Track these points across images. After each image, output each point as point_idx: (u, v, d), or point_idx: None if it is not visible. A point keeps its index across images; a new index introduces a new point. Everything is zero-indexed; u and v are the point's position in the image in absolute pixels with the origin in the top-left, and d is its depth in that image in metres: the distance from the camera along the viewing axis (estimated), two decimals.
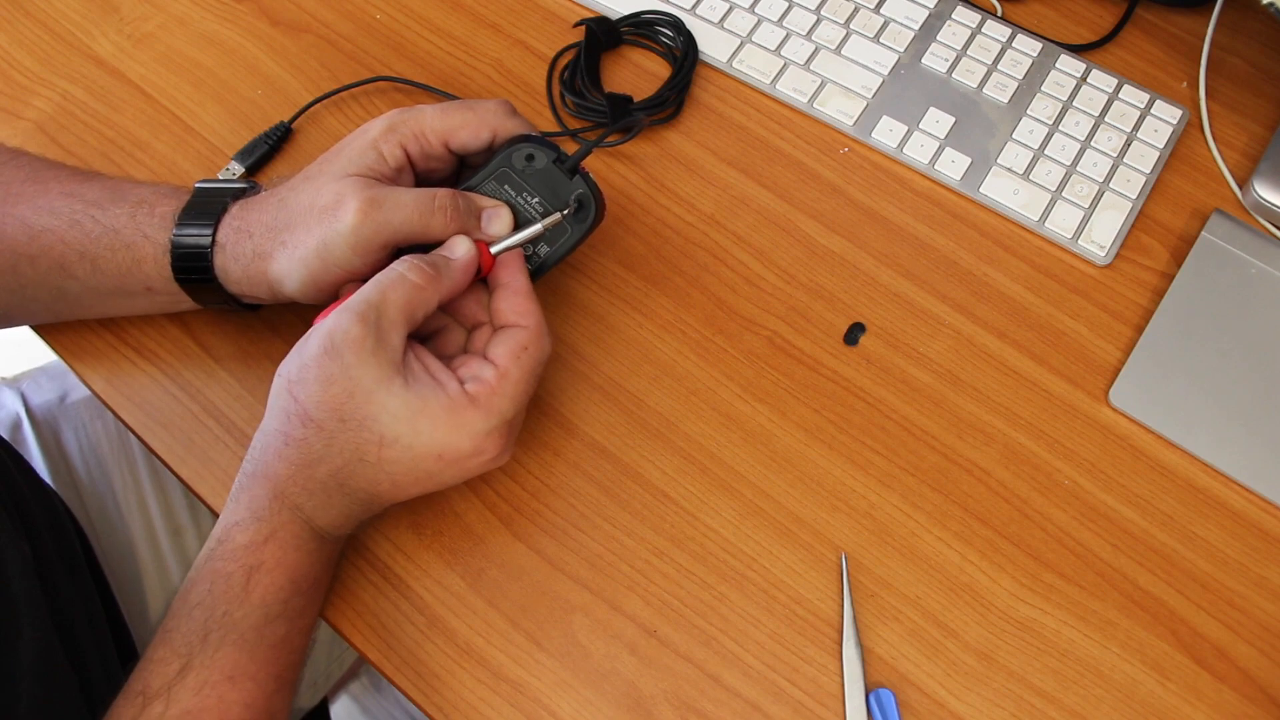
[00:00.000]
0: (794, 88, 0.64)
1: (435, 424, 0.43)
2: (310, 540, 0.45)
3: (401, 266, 0.45)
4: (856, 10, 0.66)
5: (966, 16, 0.66)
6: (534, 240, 0.49)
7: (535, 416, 0.54)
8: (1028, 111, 0.63)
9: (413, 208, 0.46)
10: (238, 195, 0.49)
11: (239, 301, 0.50)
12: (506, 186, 0.49)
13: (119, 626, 0.60)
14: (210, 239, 0.47)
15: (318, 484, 0.44)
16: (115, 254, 0.48)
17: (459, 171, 0.53)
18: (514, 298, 0.47)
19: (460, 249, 0.47)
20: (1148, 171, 0.61)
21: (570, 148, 0.50)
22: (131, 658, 0.59)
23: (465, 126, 0.49)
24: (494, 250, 0.48)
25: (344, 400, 0.43)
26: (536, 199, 0.49)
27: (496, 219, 0.48)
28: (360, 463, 0.44)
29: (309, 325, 0.55)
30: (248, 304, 0.51)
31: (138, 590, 0.64)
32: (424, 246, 0.47)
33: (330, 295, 0.48)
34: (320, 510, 0.45)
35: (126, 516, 0.66)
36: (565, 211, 0.49)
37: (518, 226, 0.49)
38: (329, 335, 0.43)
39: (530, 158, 0.49)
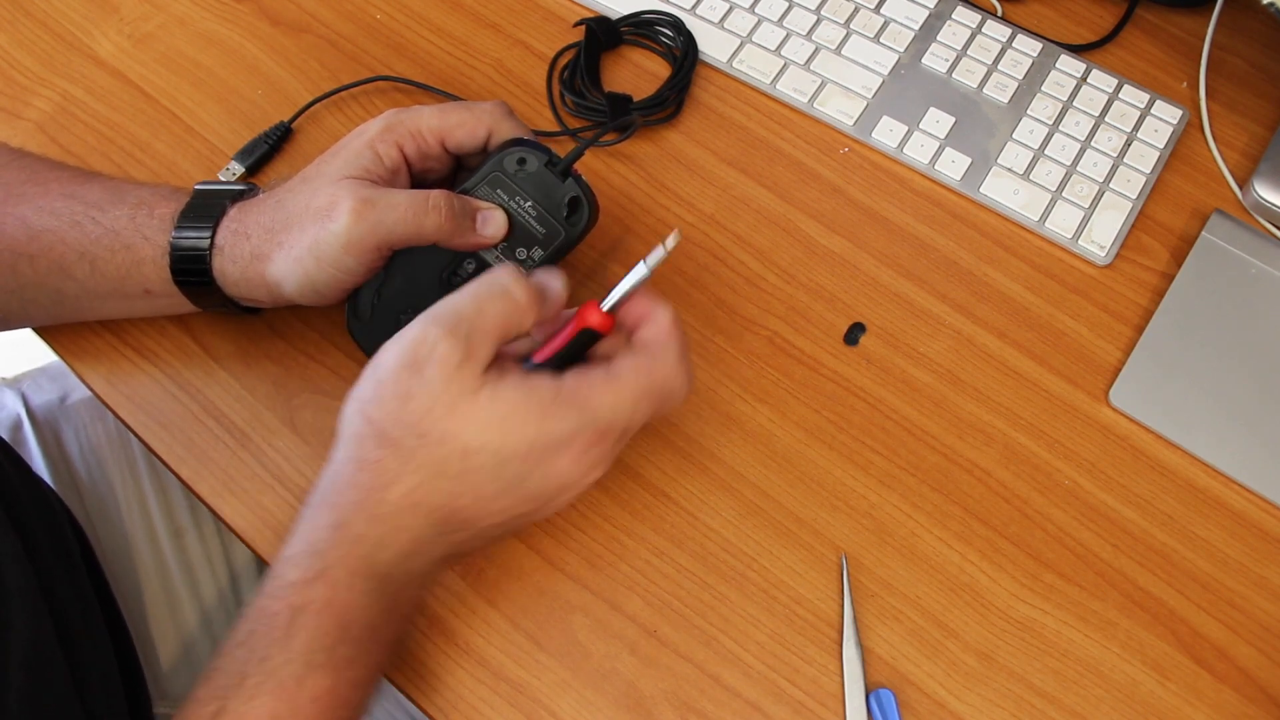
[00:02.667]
0: (794, 88, 0.64)
1: (525, 423, 0.40)
2: (368, 580, 0.41)
3: (505, 279, 0.42)
4: (856, 10, 0.66)
5: (966, 16, 0.66)
6: (528, 245, 0.49)
7: None
8: (1028, 111, 0.63)
9: (406, 208, 0.46)
10: (236, 197, 0.49)
11: (238, 305, 0.50)
12: (499, 191, 0.49)
13: (118, 627, 0.60)
14: (209, 241, 0.47)
15: (389, 508, 0.41)
16: (114, 255, 0.48)
17: (456, 173, 0.53)
18: (657, 325, 0.43)
19: (556, 283, 0.44)
20: (1148, 171, 0.61)
21: (568, 148, 0.50)
22: (128, 659, 0.59)
23: (462, 126, 0.49)
24: (605, 306, 0.43)
25: (423, 416, 0.40)
26: (530, 203, 0.49)
27: (491, 221, 0.49)
28: (440, 477, 0.41)
29: (310, 327, 0.55)
30: (246, 307, 0.51)
31: (138, 591, 0.64)
32: (423, 250, 0.48)
33: (328, 296, 0.48)
34: (386, 540, 0.41)
35: (127, 517, 0.66)
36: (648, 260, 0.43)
37: (512, 230, 0.49)
38: (410, 348, 0.40)
39: (522, 161, 0.49)
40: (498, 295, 0.42)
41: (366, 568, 0.41)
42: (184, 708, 0.40)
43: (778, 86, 0.64)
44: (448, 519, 0.42)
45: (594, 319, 0.43)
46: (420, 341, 0.40)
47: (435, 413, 0.40)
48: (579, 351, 0.44)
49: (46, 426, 0.68)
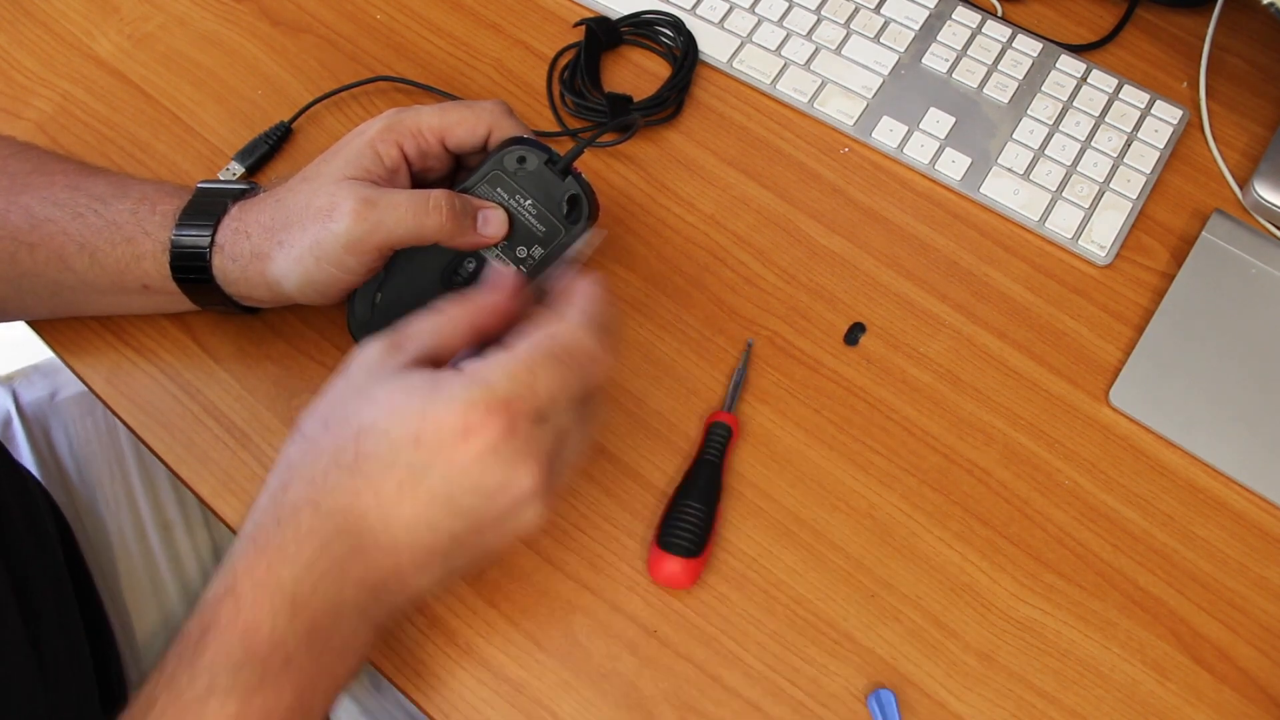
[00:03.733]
0: (794, 88, 0.64)
1: (411, 397, 0.38)
2: (274, 596, 0.37)
3: (441, 304, 0.42)
4: (857, 10, 0.66)
5: (967, 17, 0.66)
6: (528, 244, 0.49)
7: None
8: (1028, 112, 0.63)
9: (407, 208, 0.46)
10: (238, 196, 0.49)
11: (237, 303, 0.50)
12: (499, 189, 0.49)
13: (96, 615, 0.60)
14: (209, 240, 0.47)
15: (288, 508, 0.38)
16: (115, 248, 0.48)
17: (455, 172, 0.53)
18: (567, 294, 0.42)
19: (497, 276, 0.43)
20: (1148, 172, 0.61)
21: (568, 148, 0.50)
22: (104, 647, 0.59)
23: (462, 124, 0.49)
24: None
25: (335, 405, 0.39)
26: (530, 201, 0.49)
27: (492, 220, 0.48)
28: (336, 468, 0.38)
29: (310, 327, 0.55)
30: (246, 306, 0.51)
31: (125, 587, 0.64)
32: (423, 249, 0.48)
33: (328, 295, 0.48)
34: (290, 549, 0.38)
35: (115, 513, 0.66)
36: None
37: (512, 229, 0.49)
38: (347, 359, 0.41)
39: (522, 160, 0.49)
40: (430, 312, 0.41)
41: (273, 581, 0.38)
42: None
43: (778, 86, 0.64)
44: (352, 524, 0.38)
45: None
46: (356, 350, 0.41)
47: (347, 399, 0.39)
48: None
49: (35, 423, 0.68)
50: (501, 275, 0.43)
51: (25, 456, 0.66)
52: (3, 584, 0.47)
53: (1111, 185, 0.61)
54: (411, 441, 0.37)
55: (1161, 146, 0.62)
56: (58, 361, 0.55)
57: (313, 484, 0.38)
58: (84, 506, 0.66)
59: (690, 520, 0.49)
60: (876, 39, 0.65)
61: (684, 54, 0.64)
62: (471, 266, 0.49)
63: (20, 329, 0.55)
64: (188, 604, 0.65)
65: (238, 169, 0.59)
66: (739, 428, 0.52)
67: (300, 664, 0.38)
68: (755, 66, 0.64)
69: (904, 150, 0.62)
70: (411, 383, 0.38)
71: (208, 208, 0.48)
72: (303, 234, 0.46)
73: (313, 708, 0.39)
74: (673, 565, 0.48)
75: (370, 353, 0.40)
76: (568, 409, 0.40)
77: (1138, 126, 0.62)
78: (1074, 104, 0.63)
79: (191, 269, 0.48)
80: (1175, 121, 0.63)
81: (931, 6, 0.66)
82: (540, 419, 0.38)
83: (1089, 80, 0.64)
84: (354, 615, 0.40)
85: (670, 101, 0.63)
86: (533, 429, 0.38)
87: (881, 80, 0.64)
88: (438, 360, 0.41)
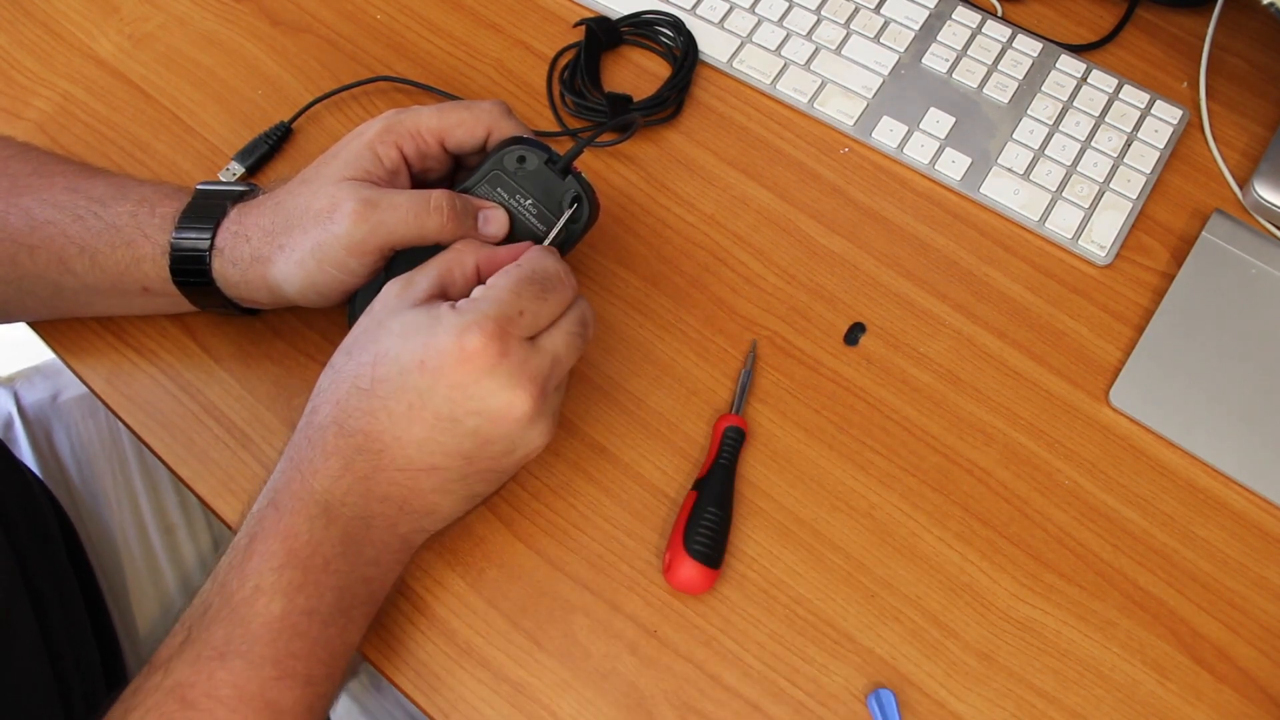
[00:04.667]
0: (794, 88, 0.64)
1: (418, 326, 0.42)
2: (310, 505, 0.42)
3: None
4: (857, 10, 0.66)
5: (967, 17, 0.66)
6: (536, 240, 0.49)
7: None
8: (1028, 112, 0.63)
9: (408, 209, 0.46)
10: (237, 199, 0.49)
11: (236, 305, 0.50)
12: (499, 189, 0.49)
13: (100, 615, 0.60)
14: (209, 242, 0.47)
15: (316, 429, 0.43)
16: (115, 250, 0.48)
17: (455, 172, 0.53)
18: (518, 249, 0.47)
19: (495, 222, 0.48)
20: (1148, 172, 0.61)
21: (568, 148, 0.50)
22: (109, 647, 0.59)
23: (461, 125, 0.49)
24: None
25: (358, 335, 0.44)
26: (530, 200, 0.49)
27: (493, 220, 0.49)
28: (355, 391, 0.42)
29: (310, 327, 0.55)
30: (246, 308, 0.51)
31: (128, 588, 0.64)
32: (424, 249, 0.48)
33: (329, 297, 0.48)
34: (318, 464, 0.42)
35: (117, 515, 0.66)
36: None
37: (513, 228, 0.49)
38: (375, 301, 0.45)
39: (522, 159, 0.49)
40: (443, 254, 0.46)
41: (307, 493, 0.42)
42: (163, 642, 0.42)
43: (778, 87, 0.64)
44: (370, 443, 0.42)
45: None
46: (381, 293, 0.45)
47: (367, 330, 0.43)
48: None
49: (37, 424, 0.68)
50: (495, 217, 0.48)
51: (27, 458, 0.66)
52: (12, 574, 0.48)
53: (1111, 185, 0.61)
54: (417, 366, 0.41)
55: (1161, 146, 0.62)
56: (59, 363, 0.55)
57: (337, 406, 0.43)
58: (86, 508, 0.66)
59: (716, 527, 0.49)
60: (876, 39, 0.65)
61: (684, 54, 0.64)
62: None
63: (21, 330, 0.55)
64: (189, 601, 0.65)
65: (238, 169, 0.59)
66: (748, 430, 0.52)
67: (337, 568, 0.42)
68: (755, 66, 0.64)
69: (904, 150, 0.62)
70: (420, 315, 0.42)
71: (207, 210, 0.48)
72: (303, 237, 0.46)
73: (352, 613, 0.43)
74: (699, 573, 0.48)
75: (389, 290, 0.44)
76: (551, 331, 0.44)
77: (1138, 126, 0.62)
78: (1074, 104, 0.63)
79: (191, 272, 0.48)
80: (1175, 121, 0.63)
81: (931, 6, 0.66)
82: (530, 340, 0.43)
83: (1089, 80, 0.64)
84: (383, 528, 0.44)
85: (670, 101, 0.63)
86: (526, 352, 0.42)
87: (881, 80, 0.64)
88: (446, 296, 0.45)
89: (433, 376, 0.41)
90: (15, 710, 0.47)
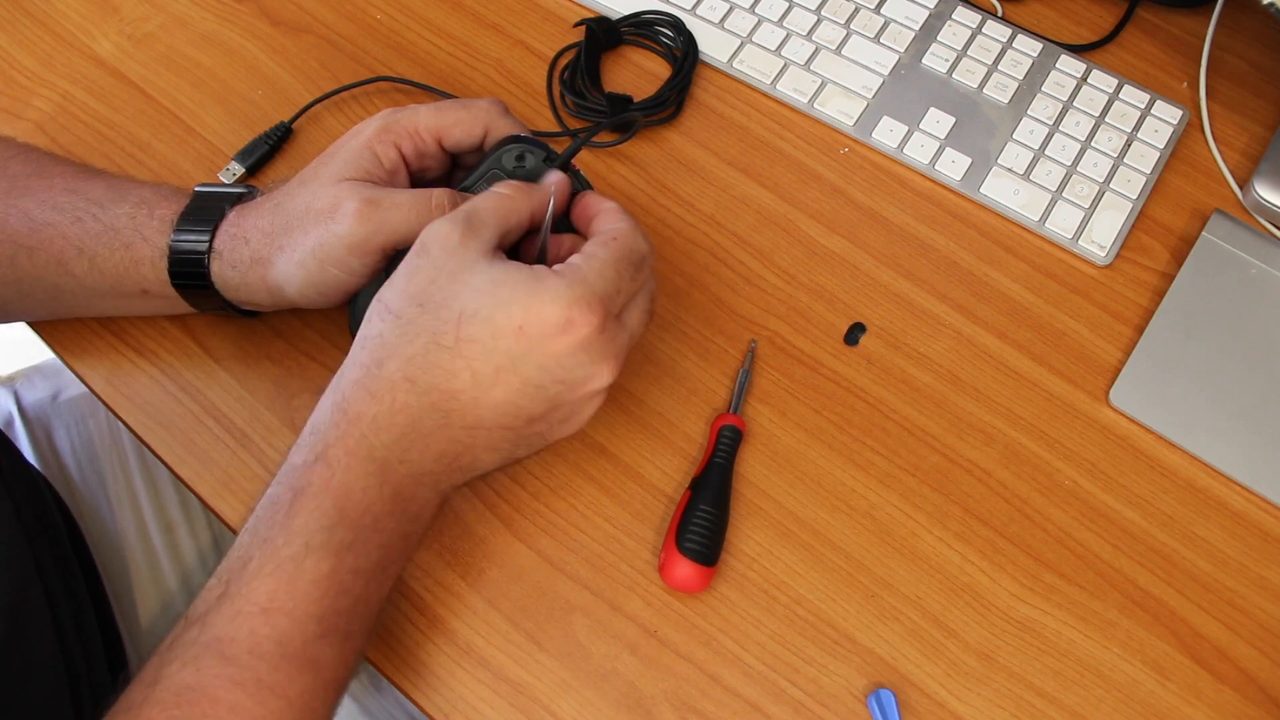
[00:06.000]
0: (794, 88, 0.64)
1: (518, 290, 0.41)
2: (366, 462, 0.41)
3: (495, 186, 0.45)
4: (857, 10, 0.66)
5: (967, 17, 0.66)
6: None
7: None
8: (1028, 112, 0.63)
9: (409, 208, 0.46)
10: (236, 200, 0.49)
11: (236, 308, 0.50)
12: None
13: (103, 608, 0.60)
14: (207, 245, 0.47)
15: (384, 383, 0.41)
16: (114, 253, 0.48)
17: (452, 172, 0.53)
18: (607, 213, 0.46)
19: (550, 177, 0.47)
20: (1148, 172, 0.61)
21: (565, 147, 0.50)
22: (117, 654, 0.59)
23: (459, 124, 0.49)
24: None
25: (426, 285, 0.41)
26: None
27: None
28: (436, 348, 0.41)
29: (310, 327, 0.55)
30: (245, 310, 0.51)
31: (130, 586, 0.64)
32: None
33: (331, 298, 0.48)
34: (383, 420, 0.41)
35: (118, 513, 0.66)
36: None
37: None
38: (420, 238, 0.43)
39: (520, 158, 0.49)
40: (486, 194, 0.45)
41: (364, 449, 0.41)
42: (198, 596, 0.41)
43: (778, 87, 0.64)
44: (444, 401, 0.41)
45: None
46: (427, 231, 0.43)
47: (438, 281, 0.41)
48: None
49: (38, 424, 0.68)
50: (553, 176, 0.47)
51: (28, 457, 0.66)
52: (27, 563, 0.49)
53: (1111, 185, 0.61)
54: (515, 330, 0.40)
55: (1161, 146, 0.62)
56: (59, 362, 0.55)
57: (411, 362, 0.41)
58: (86, 506, 0.66)
59: (710, 526, 0.49)
60: (876, 39, 0.65)
61: (684, 54, 0.64)
62: None
63: (21, 330, 0.56)
64: (189, 599, 0.65)
65: (238, 169, 0.59)
66: (746, 430, 0.52)
67: (385, 526, 0.42)
68: (755, 66, 0.64)
69: (904, 150, 0.62)
70: (513, 275, 0.41)
71: (205, 213, 0.48)
72: (304, 237, 0.46)
73: (390, 569, 0.44)
74: (693, 571, 0.48)
75: (445, 233, 0.42)
76: (631, 308, 0.44)
77: (1138, 126, 0.62)
78: (1074, 104, 0.63)
79: (190, 275, 0.48)
80: (1175, 121, 0.63)
81: (931, 6, 0.66)
82: (620, 317, 0.43)
83: (1089, 80, 0.64)
84: (429, 484, 0.43)
85: (670, 101, 0.63)
86: (616, 327, 0.42)
87: (881, 80, 0.64)
88: (503, 244, 0.44)
89: (530, 342, 0.41)
90: (28, 695, 0.47)
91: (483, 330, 0.41)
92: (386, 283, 0.43)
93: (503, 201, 0.44)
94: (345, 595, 0.41)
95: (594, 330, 0.41)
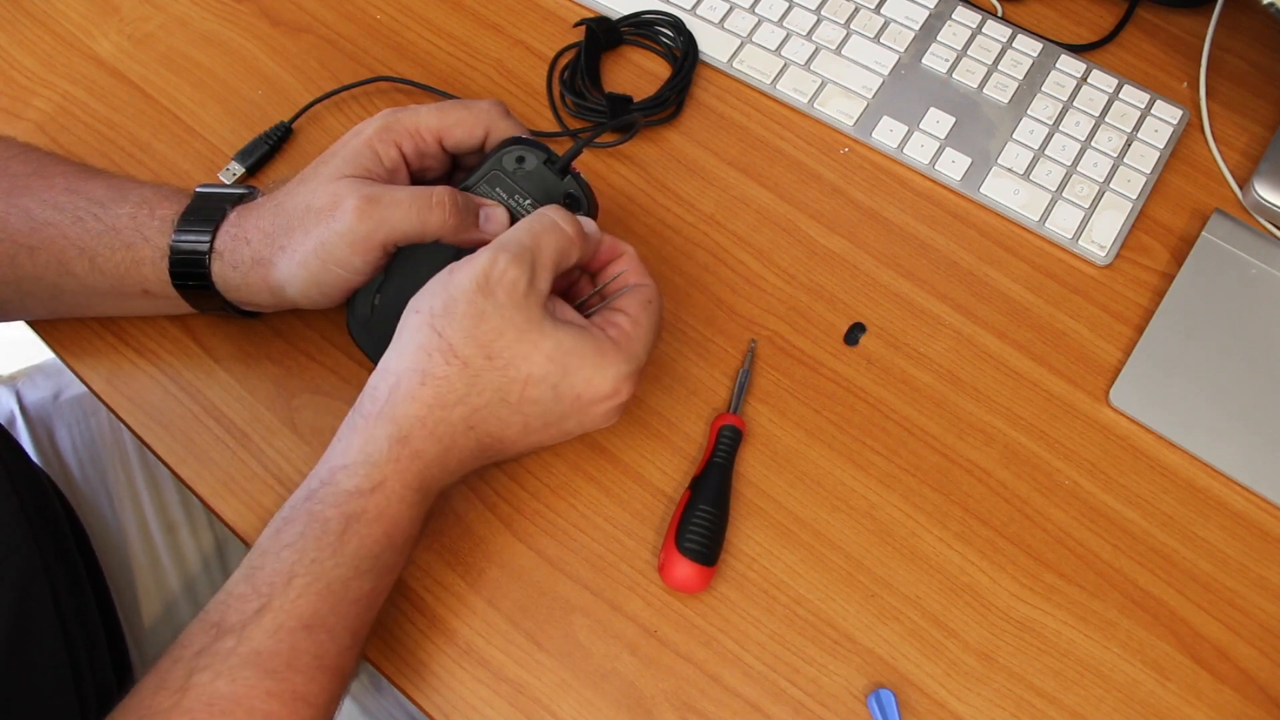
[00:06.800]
0: (794, 88, 0.64)
1: (584, 363, 0.44)
2: (417, 493, 0.44)
3: (554, 214, 0.46)
4: (857, 10, 0.66)
5: (967, 17, 0.66)
6: None
7: None
8: (1028, 112, 0.63)
9: (410, 205, 0.46)
10: (236, 201, 0.49)
11: (236, 308, 0.50)
12: (498, 189, 0.49)
13: (106, 608, 0.60)
14: (208, 245, 0.47)
15: (447, 427, 0.44)
16: (114, 253, 0.48)
17: (452, 172, 0.53)
18: (633, 262, 0.49)
19: (593, 224, 0.48)
20: (1148, 172, 0.61)
21: (568, 148, 0.50)
22: (120, 653, 0.59)
23: (460, 125, 0.49)
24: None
25: (494, 338, 0.43)
26: (529, 200, 0.49)
27: (493, 218, 0.49)
28: (500, 403, 0.44)
29: (310, 327, 0.55)
30: (246, 311, 0.51)
31: (131, 587, 0.64)
32: (423, 247, 0.48)
33: (332, 297, 0.48)
34: (440, 458, 0.44)
35: (120, 513, 0.66)
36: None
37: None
38: (482, 272, 0.43)
39: (521, 159, 0.49)
40: (550, 229, 0.45)
41: (419, 483, 0.44)
42: (222, 601, 0.42)
43: (778, 87, 0.64)
44: (492, 445, 0.45)
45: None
46: (492, 265, 0.43)
47: (507, 336, 0.43)
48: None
49: (39, 423, 0.68)
50: (591, 225, 0.48)
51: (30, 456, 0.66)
52: (33, 559, 0.49)
53: (1111, 185, 0.61)
54: (573, 399, 0.45)
55: (1161, 146, 0.62)
56: (60, 361, 0.55)
57: (476, 412, 0.44)
58: (88, 506, 0.66)
59: (710, 526, 0.49)
60: (876, 39, 0.65)
61: (684, 54, 0.64)
62: None
63: (22, 329, 0.56)
64: (191, 598, 0.65)
65: (238, 169, 0.59)
66: (746, 430, 0.52)
67: (415, 537, 0.46)
68: (755, 66, 0.64)
69: (904, 150, 0.62)
70: (580, 345, 0.44)
71: (206, 213, 0.48)
72: (305, 236, 0.46)
73: (400, 571, 0.47)
74: (693, 571, 0.48)
75: (513, 278, 0.43)
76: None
77: (1138, 126, 0.62)
78: (1074, 104, 0.63)
79: (190, 275, 0.48)
80: (1175, 121, 0.63)
81: (931, 6, 0.66)
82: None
83: (1089, 80, 0.64)
84: (445, 494, 0.48)
85: (670, 101, 0.63)
86: (638, 378, 0.47)
87: (881, 80, 0.64)
88: (555, 287, 0.47)
89: (580, 406, 0.45)
90: (34, 690, 0.47)
91: (546, 394, 0.44)
92: (443, 309, 0.43)
93: (563, 242, 0.45)
94: (375, 608, 0.44)
95: (630, 394, 0.46)
